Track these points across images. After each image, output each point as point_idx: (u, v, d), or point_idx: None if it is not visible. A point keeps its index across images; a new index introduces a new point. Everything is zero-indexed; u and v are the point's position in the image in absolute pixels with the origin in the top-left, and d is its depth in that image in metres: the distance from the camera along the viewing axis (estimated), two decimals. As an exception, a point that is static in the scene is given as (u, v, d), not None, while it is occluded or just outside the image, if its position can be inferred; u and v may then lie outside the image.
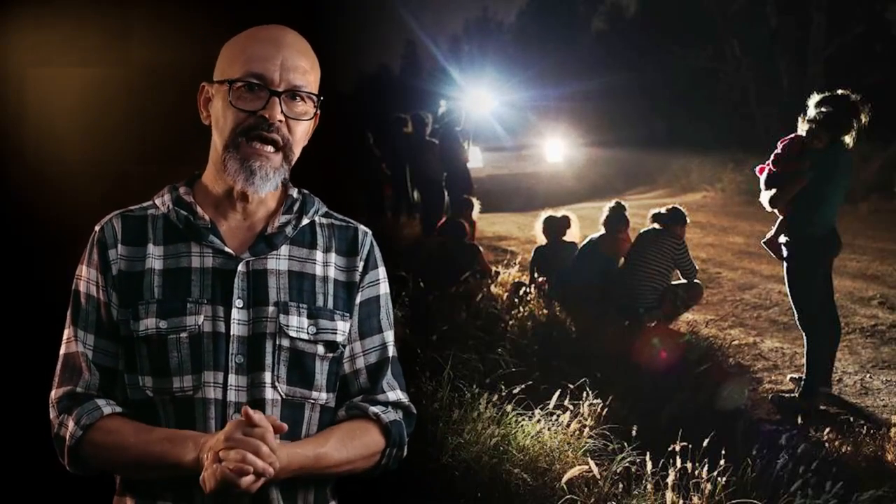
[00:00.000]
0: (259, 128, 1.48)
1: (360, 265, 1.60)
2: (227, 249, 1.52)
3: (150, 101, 2.96)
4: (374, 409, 1.57)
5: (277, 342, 1.50)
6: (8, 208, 3.01)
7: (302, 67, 1.51)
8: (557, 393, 3.88)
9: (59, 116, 3.04)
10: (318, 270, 1.57)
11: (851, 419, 4.26)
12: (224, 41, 1.57)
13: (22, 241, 2.98)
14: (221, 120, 1.51)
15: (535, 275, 5.97)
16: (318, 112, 1.57)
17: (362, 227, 1.64)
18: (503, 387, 3.98)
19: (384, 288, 1.64)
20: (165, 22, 2.96)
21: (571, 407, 3.80)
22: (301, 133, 1.53)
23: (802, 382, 4.45)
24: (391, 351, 1.64)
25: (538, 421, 3.76)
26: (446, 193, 8.08)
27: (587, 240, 5.85)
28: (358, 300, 1.60)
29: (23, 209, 3.00)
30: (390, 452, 1.58)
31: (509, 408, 3.81)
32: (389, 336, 1.64)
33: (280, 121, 1.48)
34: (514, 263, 6.38)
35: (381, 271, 1.64)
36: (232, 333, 1.49)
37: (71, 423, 1.48)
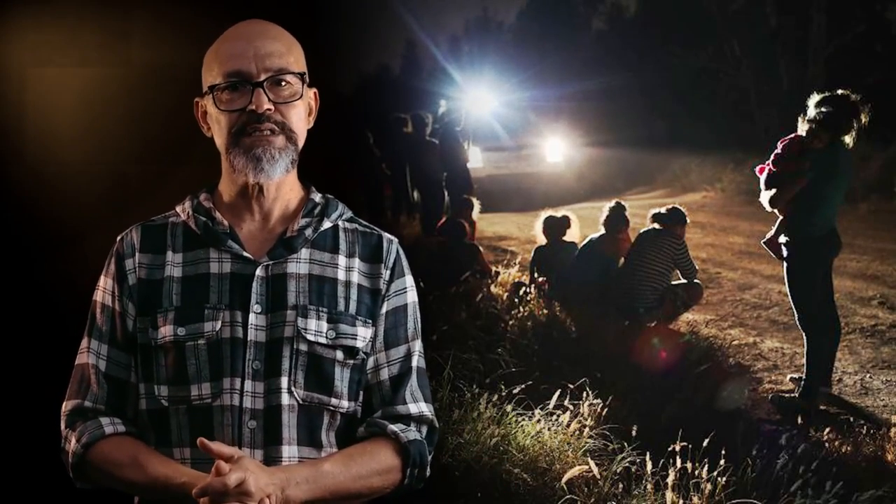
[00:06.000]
0: (251, 122, 1.47)
1: (386, 273, 1.57)
2: (245, 254, 1.51)
3: (150, 101, 2.96)
4: (394, 427, 1.53)
5: (295, 346, 1.48)
6: (8, 208, 3.00)
7: (277, 51, 1.49)
8: (557, 393, 3.88)
9: (59, 116, 3.04)
10: (341, 275, 1.54)
11: (851, 419, 4.26)
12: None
13: (22, 241, 2.98)
14: (216, 126, 1.51)
15: (535, 275, 5.96)
16: (316, 92, 1.57)
17: (388, 235, 1.61)
18: (503, 387, 3.97)
19: (412, 297, 1.61)
20: (165, 22, 2.96)
21: (571, 407, 3.80)
22: (297, 116, 1.51)
23: (802, 382, 4.45)
24: (416, 361, 1.60)
25: (538, 421, 3.76)
26: (446, 193, 8.07)
27: (587, 240, 5.84)
28: (384, 310, 1.57)
29: (23, 209, 3.00)
30: (411, 472, 1.54)
31: (509, 408, 3.81)
32: (416, 346, 1.61)
33: (270, 109, 1.47)
34: (514, 263, 6.36)
35: (409, 280, 1.61)
36: (249, 339, 1.47)
37: (73, 441, 1.48)
